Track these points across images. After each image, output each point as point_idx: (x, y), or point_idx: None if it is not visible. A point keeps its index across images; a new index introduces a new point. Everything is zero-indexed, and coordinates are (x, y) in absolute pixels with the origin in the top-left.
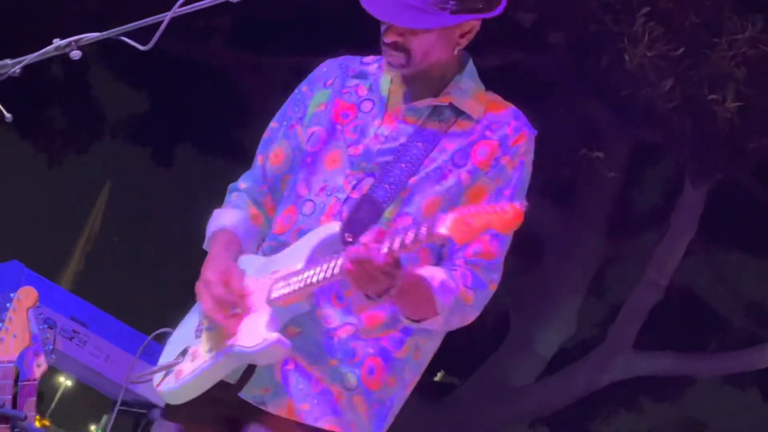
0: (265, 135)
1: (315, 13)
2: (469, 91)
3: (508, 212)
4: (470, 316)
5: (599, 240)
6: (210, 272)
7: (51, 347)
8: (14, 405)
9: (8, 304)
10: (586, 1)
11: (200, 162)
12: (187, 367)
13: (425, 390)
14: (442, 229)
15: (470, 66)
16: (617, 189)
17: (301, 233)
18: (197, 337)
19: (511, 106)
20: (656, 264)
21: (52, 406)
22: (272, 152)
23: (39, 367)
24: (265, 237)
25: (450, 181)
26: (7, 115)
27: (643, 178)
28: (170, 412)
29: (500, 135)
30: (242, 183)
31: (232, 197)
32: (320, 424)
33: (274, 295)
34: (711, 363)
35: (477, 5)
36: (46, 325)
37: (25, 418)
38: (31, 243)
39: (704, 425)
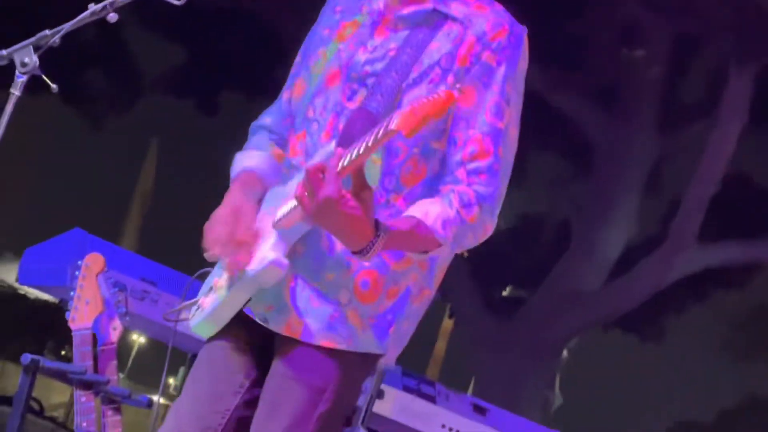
0: (292, 69)
1: None
2: None
3: (441, 96)
4: (486, 229)
5: (649, 137)
6: (217, 211)
7: (124, 310)
8: (95, 369)
9: (77, 273)
10: None
11: (246, 107)
12: (208, 299)
13: (496, 307)
14: (392, 125)
15: None
16: (662, 85)
17: (308, 155)
18: (221, 270)
19: (496, 5)
20: (710, 154)
21: (129, 363)
22: (295, 84)
23: (115, 330)
24: None
25: (436, 85)
26: (53, 85)
27: (687, 71)
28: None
29: (478, 31)
30: (266, 118)
31: (254, 139)
32: (317, 341)
33: (277, 217)
34: None
35: None
36: (116, 289)
37: (108, 381)
38: (89, 209)
39: None
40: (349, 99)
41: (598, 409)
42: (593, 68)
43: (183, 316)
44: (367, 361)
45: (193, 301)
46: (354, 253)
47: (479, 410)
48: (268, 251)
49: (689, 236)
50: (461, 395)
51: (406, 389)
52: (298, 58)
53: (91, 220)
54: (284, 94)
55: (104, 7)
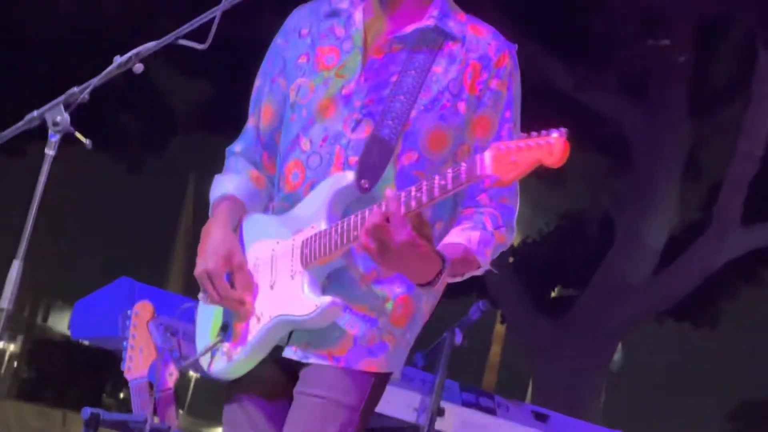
0: (253, 95)
1: None
2: (448, 11)
3: (556, 145)
4: (506, 246)
5: (683, 124)
6: (210, 261)
7: (178, 354)
8: (155, 414)
9: (128, 322)
10: None
11: None
12: (232, 345)
13: (547, 307)
14: (487, 170)
15: None
16: (691, 70)
17: (313, 188)
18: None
19: (490, 27)
20: (747, 135)
21: (188, 399)
22: (261, 110)
23: (171, 375)
24: (273, 196)
25: (449, 112)
26: (86, 141)
27: (715, 54)
28: (228, 387)
29: (481, 56)
30: (237, 146)
31: (230, 162)
32: (359, 367)
33: (310, 257)
34: None
35: None
36: (168, 334)
37: (169, 429)
38: (133, 254)
39: None
40: (353, 130)
41: (657, 401)
42: (620, 62)
43: (190, 362)
44: (385, 379)
45: (213, 344)
46: (421, 285)
47: (540, 418)
48: (309, 293)
49: (733, 219)
50: (521, 405)
51: (466, 404)
52: (258, 82)
53: (136, 264)
54: (250, 121)
55: (129, 59)
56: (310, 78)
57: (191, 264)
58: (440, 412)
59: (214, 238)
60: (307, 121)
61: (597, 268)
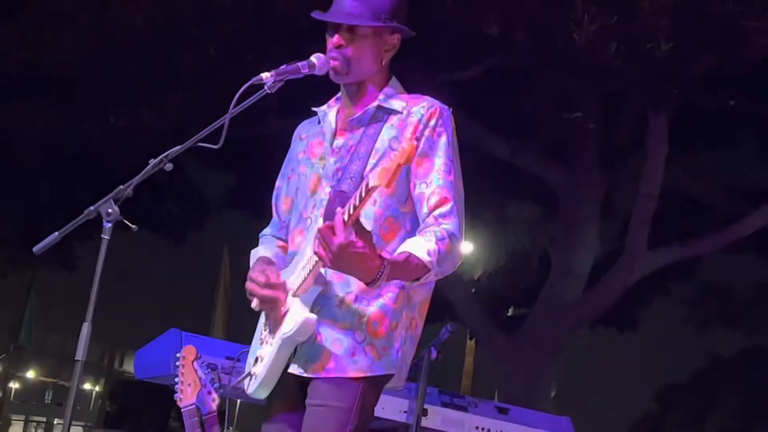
0: (275, 191)
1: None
2: (392, 94)
3: (405, 147)
4: (457, 260)
5: (597, 175)
6: (252, 272)
7: (218, 384)
8: None
9: (177, 363)
10: (533, 2)
11: None
12: (258, 368)
13: (504, 325)
14: (371, 183)
15: (393, 80)
16: (600, 134)
17: (307, 241)
18: (261, 345)
19: (428, 97)
20: (646, 180)
21: (236, 416)
22: (282, 202)
23: (214, 401)
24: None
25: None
26: (133, 226)
27: (617, 120)
28: (264, 409)
29: (419, 115)
30: (266, 231)
31: (262, 240)
32: (347, 374)
33: (294, 287)
34: (711, 241)
35: (399, 21)
36: (209, 369)
37: None
38: (182, 309)
39: (724, 286)
40: (328, 195)
41: (596, 391)
42: (544, 132)
43: (237, 387)
44: (379, 382)
45: (246, 373)
46: (367, 284)
47: (503, 411)
48: (296, 314)
49: (641, 246)
50: (487, 402)
51: (444, 404)
52: (278, 183)
53: (185, 317)
54: (274, 209)
55: (161, 160)
56: (305, 166)
57: (230, 315)
58: (424, 413)
59: (254, 266)
60: (306, 197)
61: (540, 291)
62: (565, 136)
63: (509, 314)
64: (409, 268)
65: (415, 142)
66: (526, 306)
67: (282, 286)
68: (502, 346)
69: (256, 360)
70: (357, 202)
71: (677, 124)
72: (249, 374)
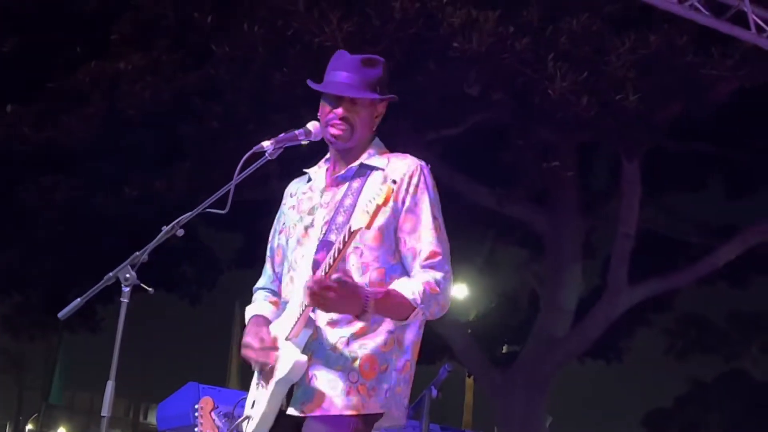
0: (269, 245)
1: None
2: (374, 153)
3: (384, 190)
4: (445, 303)
5: (577, 219)
6: (247, 338)
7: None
8: None
9: (196, 413)
10: (509, 63)
11: None
12: (255, 410)
13: (499, 361)
14: (353, 227)
15: (376, 140)
16: (577, 181)
17: (296, 291)
18: (257, 389)
19: (408, 155)
20: (623, 221)
21: None
22: (276, 254)
23: None
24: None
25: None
26: (149, 289)
27: (593, 167)
28: None
29: (401, 174)
30: (259, 284)
31: (255, 295)
32: (341, 412)
33: (287, 332)
34: (686, 274)
35: (388, 92)
36: (225, 418)
37: None
38: (199, 363)
39: (701, 316)
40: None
41: (588, 419)
42: (526, 182)
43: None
44: (370, 420)
45: (245, 416)
46: (356, 317)
47: None
48: (288, 356)
49: (622, 281)
50: None
51: None
52: (270, 236)
53: (202, 370)
54: (267, 263)
55: (173, 226)
56: (295, 219)
57: (244, 366)
58: None
59: (248, 330)
60: (294, 248)
61: (531, 329)
62: (546, 184)
63: (503, 351)
64: (393, 303)
65: (392, 185)
66: (519, 342)
67: (275, 344)
68: (499, 381)
69: (253, 403)
70: (341, 246)
71: (649, 168)
72: (247, 417)
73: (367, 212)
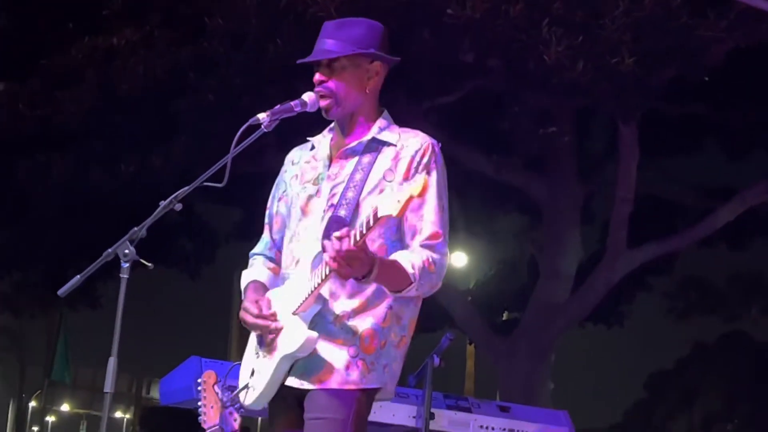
0: (267, 212)
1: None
2: (385, 126)
3: (419, 181)
4: (437, 283)
5: (575, 184)
6: (246, 303)
7: (239, 404)
8: None
9: (199, 388)
10: (504, 29)
11: None
12: (255, 380)
13: (499, 328)
14: (380, 212)
15: (385, 113)
16: (575, 146)
17: (298, 262)
18: (257, 357)
19: (419, 132)
20: (621, 185)
21: (258, 428)
22: (274, 222)
23: (236, 421)
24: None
25: (384, 192)
26: (149, 265)
27: (590, 131)
28: (269, 427)
29: (412, 151)
30: (256, 249)
31: (252, 261)
32: (341, 386)
33: (295, 306)
34: (685, 237)
35: (379, 49)
36: (229, 392)
37: None
38: (200, 336)
39: (701, 278)
40: (323, 219)
41: (590, 384)
42: (524, 148)
43: (235, 398)
44: (370, 395)
45: (244, 385)
46: (359, 279)
47: (504, 409)
48: (296, 331)
49: (621, 246)
50: (489, 402)
51: (449, 407)
52: (269, 203)
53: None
54: (265, 230)
55: (170, 201)
56: (297, 189)
57: (243, 339)
58: (432, 416)
59: (248, 295)
60: (297, 218)
61: (530, 295)
62: (543, 151)
63: (504, 318)
64: (394, 273)
65: (426, 176)
66: (519, 309)
67: (273, 316)
68: (500, 348)
69: (252, 372)
70: (365, 230)
71: (646, 132)
72: (246, 386)
73: (399, 201)
